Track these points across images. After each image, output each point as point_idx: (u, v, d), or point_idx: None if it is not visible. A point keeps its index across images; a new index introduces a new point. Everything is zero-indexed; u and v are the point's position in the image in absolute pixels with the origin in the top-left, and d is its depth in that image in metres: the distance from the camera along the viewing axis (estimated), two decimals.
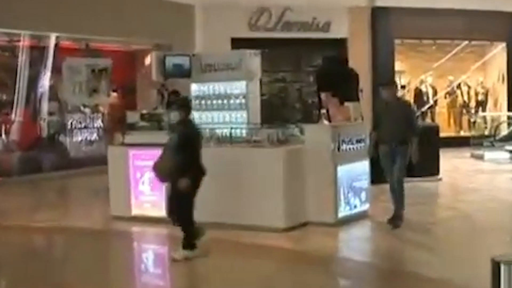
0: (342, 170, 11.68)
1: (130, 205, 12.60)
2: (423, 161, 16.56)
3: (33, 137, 19.78)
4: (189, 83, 14.88)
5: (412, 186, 15.70)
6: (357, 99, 14.47)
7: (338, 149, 11.61)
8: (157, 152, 12.05)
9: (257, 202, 11.28)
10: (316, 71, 15.15)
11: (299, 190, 11.49)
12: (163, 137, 12.17)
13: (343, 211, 11.78)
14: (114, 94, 22.51)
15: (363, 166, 12.36)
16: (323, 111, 11.88)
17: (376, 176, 12.78)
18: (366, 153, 12.22)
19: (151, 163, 12.09)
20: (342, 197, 11.71)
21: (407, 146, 11.44)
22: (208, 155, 11.64)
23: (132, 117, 13.15)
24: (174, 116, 10.13)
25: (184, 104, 10.17)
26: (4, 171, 18.57)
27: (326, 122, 11.78)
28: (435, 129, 17.99)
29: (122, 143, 12.81)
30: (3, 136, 19.19)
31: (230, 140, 11.96)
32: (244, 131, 12.51)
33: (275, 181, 11.21)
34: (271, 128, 12.02)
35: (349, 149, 11.84)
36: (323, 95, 12.16)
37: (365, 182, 12.40)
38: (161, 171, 10.06)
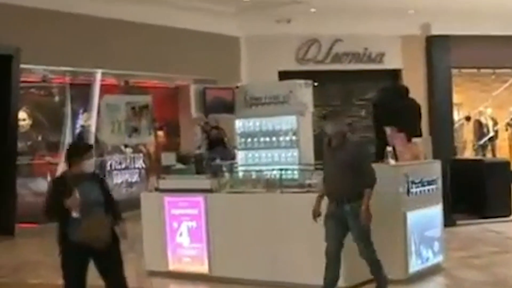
0: (413, 217, 9.63)
1: (167, 259, 10.67)
2: (494, 199, 14.77)
3: None
4: (233, 119, 12.93)
5: (482, 229, 13.69)
6: (420, 134, 12.44)
7: (408, 192, 9.57)
8: (197, 199, 10.33)
9: (313, 257, 9.18)
10: (373, 103, 13.11)
11: None
12: (204, 181, 10.41)
13: (415, 266, 9.72)
14: (160, 132, 20.75)
15: (436, 212, 10.31)
16: (389, 148, 9.87)
17: (444, 218, 10.75)
18: (435, 198, 10.25)
19: (189, 211, 10.41)
20: (413, 249, 9.65)
21: (360, 202, 8.31)
22: (255, 202, 9.88)
23: (167, 158, 11.24)
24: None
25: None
26: (35, 217, 16.78)
27: (392, 161, 9.76)
28: (506, 164, 15.87)
29: (157, 188, 10.89)
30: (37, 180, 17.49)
31: (280, 184, 9.93)
32: (296, 173, 10.50)
33: None
34: None
35: (420, 192, 9.79)
36: (388, 130, 10.13)
37: (438, 230, 10.34)
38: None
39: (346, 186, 8.33)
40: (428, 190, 10.02)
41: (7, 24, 15.65)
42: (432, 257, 10.15)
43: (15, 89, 16.11)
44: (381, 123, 11.43)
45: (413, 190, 9.69)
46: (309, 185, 9.73)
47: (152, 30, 18.72)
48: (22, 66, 16.15)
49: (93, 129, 18.70)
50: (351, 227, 8.40)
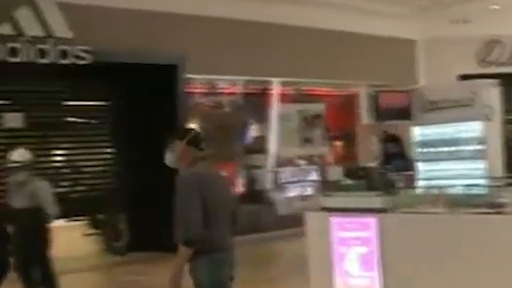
0: None
1: None
2: None
3: (238, 194, 16.76)
4: (410, 126, 11.17)
5: None
6: None
7: None
8: (367, 220, 8.62)
9: None
10: None
11: None
12: (375, 199, 8.68)
13: None
14: (335, 143, 19.14)
15: None
16: None
17: None
18: None
19: (359, 234, 8.70)
20: None
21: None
22: (435, 224, 8.06)
23: (334, 173, 9.58)
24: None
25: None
26: None
27: None
28: None
29: (323, 207, 9.23)
30: None
31: (463, 203, 8.03)
32: (483, 190, 8.56)
33: None
34: None
35: None
36: None
37: None
38: None
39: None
40: None
41: (171, 34, 14.92)
42: None
43: (180, 100, 15.05)
44: None
45: None
46: (500, 205, 7.78)
47: (324, 35, 17.48)
48: (188, 76, 15.15)
49: (271, 140, 17.43)
50: None
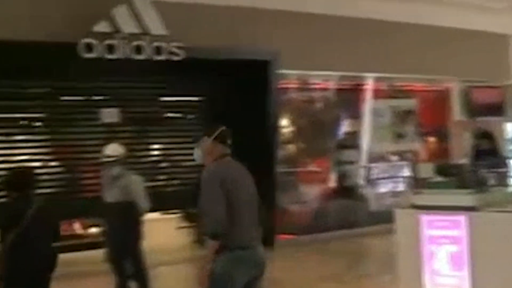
0: None
1: (422, 287, 8.79)
2: None
3: (330, 189, 16.62)
4: (504, 123, 10.86)
5: None
6: None
7: None
8: (457, 218, 8.40)
9: None
10: None
11: None
12: (465, 197, 8.46)
13: None
14: (428, 139, 18.74)
15: None
16: None
17: None
18: None
19: (449, 232, 8.50)
20: None
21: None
22: None
23: (424, 170, 9.36)
24: None
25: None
26: (296, 228, 15.50)
27: None
28: None
29: (413, 204, 9.05)
30: (299, 189, 16.22)
31: None
32: None
33: None
34: None
35: None
36: None
37: None
38: None
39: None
40: None
41: (264, 29, 14.91)
42: None
43: (273, 95, 15.02)
44: None
45: None
46: None
47: (417, 30, 17.13)
48: (282, 71, 15.09)
49: (363, 136, 17.29)
50: None
